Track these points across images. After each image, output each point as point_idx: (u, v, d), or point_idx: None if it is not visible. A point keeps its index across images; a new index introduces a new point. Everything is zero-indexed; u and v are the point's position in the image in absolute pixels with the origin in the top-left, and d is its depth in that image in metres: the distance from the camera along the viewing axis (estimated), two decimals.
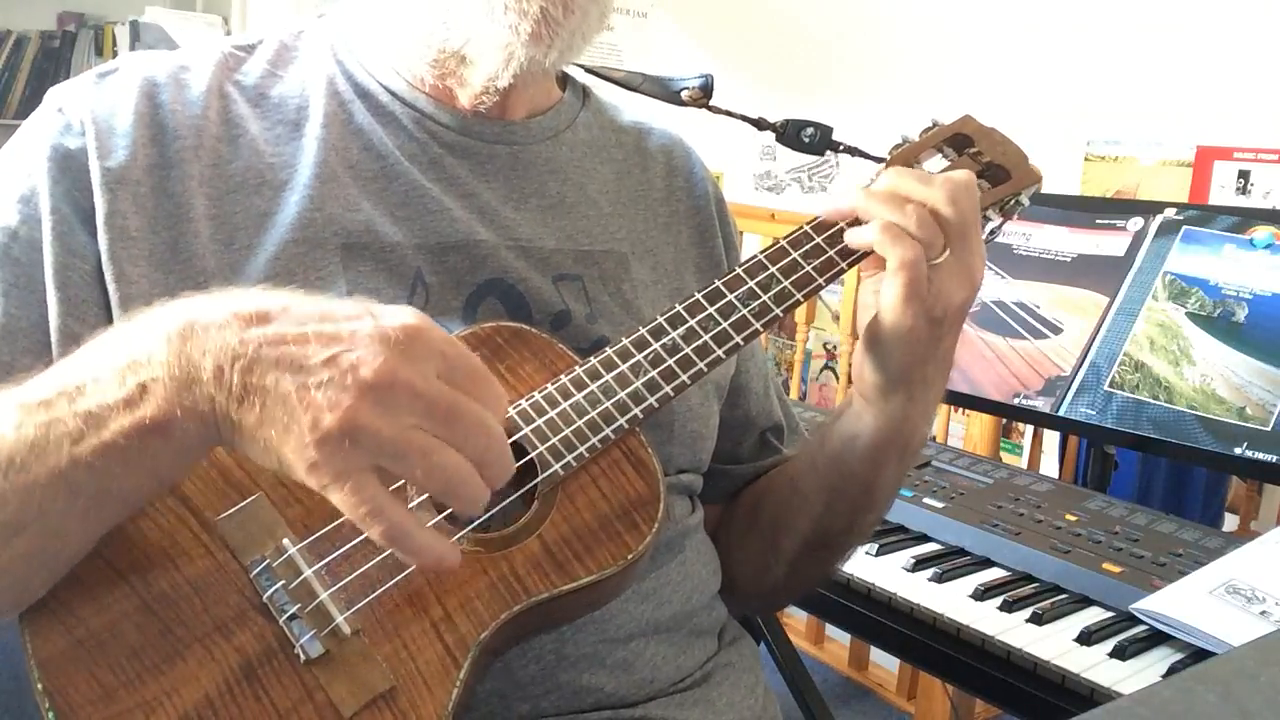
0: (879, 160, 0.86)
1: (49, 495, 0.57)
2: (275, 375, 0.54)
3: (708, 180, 0.98)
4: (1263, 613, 1.01)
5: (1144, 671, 1.00)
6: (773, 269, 0.79)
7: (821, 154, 0.92)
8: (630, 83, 0.94)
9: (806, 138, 0.92)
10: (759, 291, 0.79)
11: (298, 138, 0.80)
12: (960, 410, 2.31)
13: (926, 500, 1.31)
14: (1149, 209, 1.47)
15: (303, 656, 0.62)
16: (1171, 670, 1.00)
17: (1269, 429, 1.22)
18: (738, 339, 0.77)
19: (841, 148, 0.92)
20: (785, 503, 0.92)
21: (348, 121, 0.81)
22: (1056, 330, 1.45)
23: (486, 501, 0.57)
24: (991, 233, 0.88)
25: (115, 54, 3.90)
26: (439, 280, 0.79)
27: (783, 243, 0.80)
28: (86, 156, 0.73)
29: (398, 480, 0.55)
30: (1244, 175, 2.40)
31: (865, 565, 1.21)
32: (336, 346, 0.54)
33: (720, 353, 0.77)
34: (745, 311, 0.78)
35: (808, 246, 0.80)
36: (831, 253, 0.80)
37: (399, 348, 0.54)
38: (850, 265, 0.80)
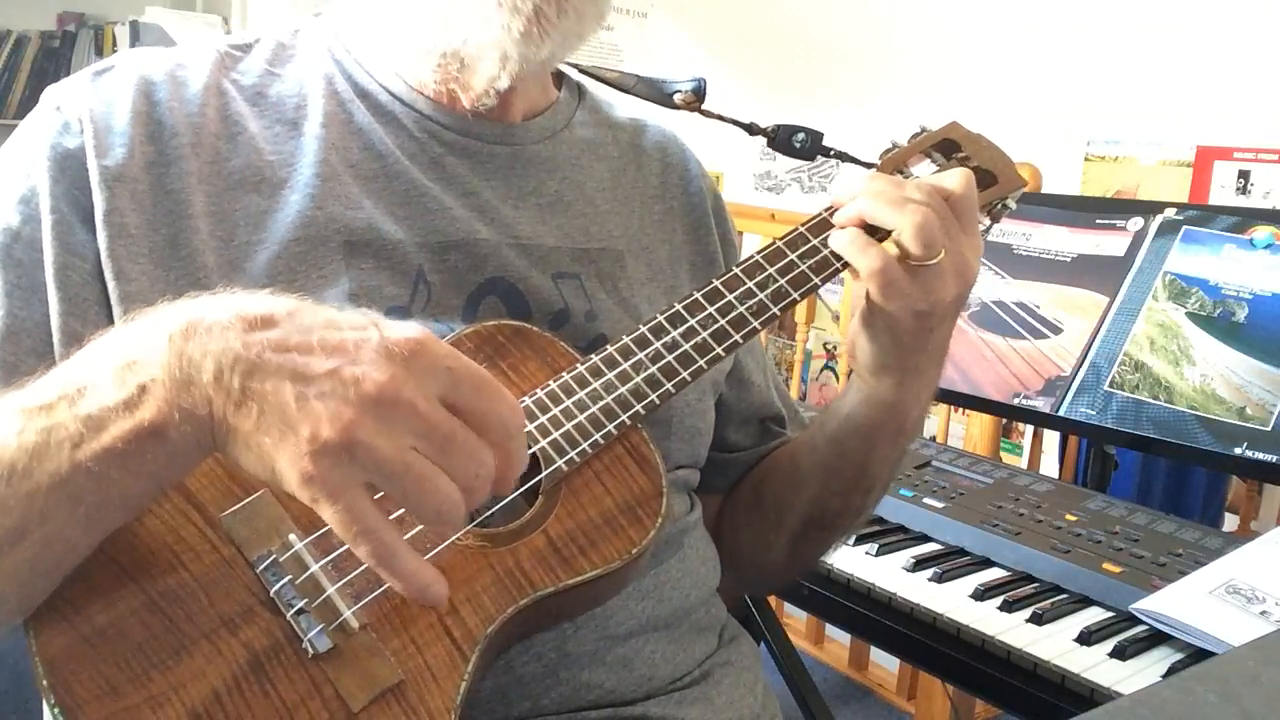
0: (869, 165, 0.87)
1: (51, 501, 0.56)
2: (275, 382, 0.53)
3: (702, 177, 0.99)
4: (1263, 613, 1.01)
5: (1144, 671, 1.00)
6: (770, 269, 0.80)
7: (812, 159, 0.93)
8: (623, 84, 0.94)
9: (797, 143, 0.92)
10: (756, 291, 0.79)
11: (296, 136, 0.80)
12: (960, 410, 2.31)
13: (926, 500, 1.31)
14: (1149, 209, 1.47)
15: (311, 651, 0.62)
16: (1171, 670, 1.00)
17: (1269, 429, 1.22)
18: (736, 337, 0.78)
19: (832, 153, 0.92)
20: (787, 481, 0.94)
21: (347, 121, 0.81)
22: (1056, 330, 1.45)
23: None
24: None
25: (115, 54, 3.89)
26: (441, 279, 0.79)
27: (779, 243, 0.81)
28: (85, 155, 0.73)
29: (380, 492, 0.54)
30: (1244, 175, 2.40)
31: (865, 565, 1.21)
32: (340, 357, 0.53)
33: (719, 350, 0.77)
34: (743, 310, 0.79)
35: (804, 247, 0.81)
36: (826, 252, 0.80)
37: (403, 362, 0.53)
38: (845, 265, 0.80)
